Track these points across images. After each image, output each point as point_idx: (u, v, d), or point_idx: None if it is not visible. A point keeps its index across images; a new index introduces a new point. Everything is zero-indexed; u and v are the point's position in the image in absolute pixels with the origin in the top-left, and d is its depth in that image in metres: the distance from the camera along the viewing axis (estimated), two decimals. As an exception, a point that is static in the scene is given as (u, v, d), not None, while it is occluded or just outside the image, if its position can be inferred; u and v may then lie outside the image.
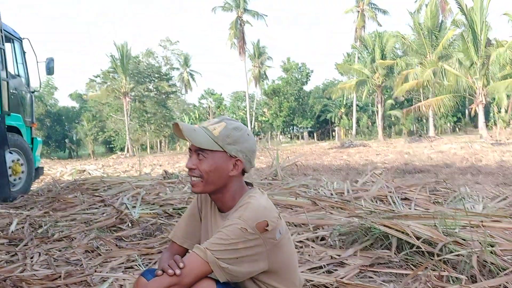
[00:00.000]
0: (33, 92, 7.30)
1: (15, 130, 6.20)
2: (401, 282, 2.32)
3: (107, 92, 40.10)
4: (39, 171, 7.22)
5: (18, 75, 6.72)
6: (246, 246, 1.36)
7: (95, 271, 2.69)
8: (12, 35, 6.58)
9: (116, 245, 3.30)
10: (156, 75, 42.45)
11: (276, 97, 47.95)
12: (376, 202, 4.55)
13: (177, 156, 23.88)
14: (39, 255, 3.09)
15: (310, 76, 50.34)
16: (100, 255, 3.07)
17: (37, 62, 7.05)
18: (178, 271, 1.29)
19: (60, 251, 3.23)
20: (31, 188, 6.66)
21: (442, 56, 28.26)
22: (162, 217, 4.13)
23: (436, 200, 4.58)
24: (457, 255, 2.43)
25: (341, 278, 2.34)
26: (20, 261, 3.00)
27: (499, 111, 30.74)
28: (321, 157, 16.14)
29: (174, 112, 50.83)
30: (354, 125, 42.92)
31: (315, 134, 49.28)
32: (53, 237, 3.59)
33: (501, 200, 4.51)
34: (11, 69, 6.41)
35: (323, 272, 2.51)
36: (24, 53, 6.95)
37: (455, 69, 24.01)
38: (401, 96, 34.75)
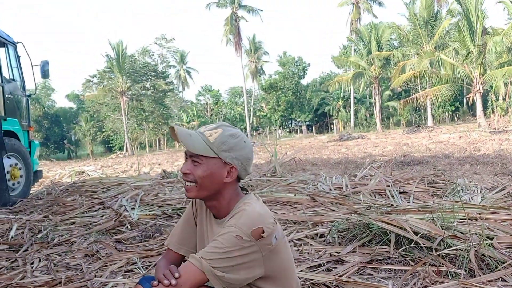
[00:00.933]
0: (29, 96, 7.27)
1: (12, 134, 6.19)
2: (400, 278, 2.33)
3: (104, 92, 39.98)
4: (37, 174, 7.21)
5: (13, 79, 6.69)
6: (241, 254, 1.35)
7: (95, 276, 2.69)
8: (6, 39, 6.55)
9: (116, 248, 3.31)
10: (153, 73, 42.30)
11: (274, 92, 47.91)
12: (375, 196, 4.56)
13: (176, 154, 23.86)
14: (39, 260, 3.09)
15: (307, 69, 50.32)
16: (100, 259, 3.07)
17: (32, 65, 7.02)
18: (173, 282, 1.29)
19: (60, 256, 3.23)
20: (31, 192, 6.66)
21: (439, 46, 28.19)
22: (161, 218, 4.14)
23: (434, 193, 4.59)
24: (456, 250, 2.44)
25: (340, 276, 2.35)
26: (20, 267, 3.00)
27: (497, 99, 30.69)
28: (320, 151, 16.14)
29: (172, 109, 50.75)
30: (352, 117, 42.91)
31: (313, 128, 49.29)
32: (53, 241, 3.59)
33: (499, 190, 4.52)
34: (5, 73, 6.38)
35: (323, 270, 2.51)
36: (18, 57, 6.92)
37: (451, 58, 23.92)
38: (398, 87, 34.68)
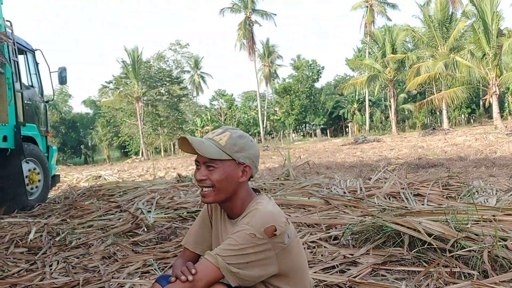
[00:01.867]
0: (47, 102, 7.43)
1: (31, 140, 6.33)
2: (413, 279, 2.34)
3: (120, 97, 40.49)
4: (55, 178, 7.36)
5: (32, 86, 6.84)
6: (255, 251, 1.40)
7: (112, 277, 2.75)
8: (25, 47, 6.71)
9: (133, 250, 3.37)
10: (168, 79, 42.72)
11: (287, 96, 47.89)
12: (389, 199, 4.55)
13: (191, 159, 24.01)
14: (58, 263, 3.16)
15: (321, 73, 50.14)
16: (117, 261, 3.13)
17: (50, 72, 7.18)
18: (190, 277, 1.33)
19: (78, 258, 3.30)
20: (48, 196, 6.79)
21: (454, 47, 27.93)
22: (176, 221, 4.19)
23: (449, 195, 4.56)
24: (469, 251, 2.44)
25: (354, 277, 2.37)
26: (39, 269, 3.08)
27: (514, 101, 30.24)
28: (334, 154, 16.10)
29: (186, 114, 51.08)
30: (367, 120, 42.64)
31: (328, 131, 49.08)
32: (71, 244, 3.67)
33: (515, 192, 4.47)
34: (24, 80, 6.54)
35: (336, 272, 2.53)
36: (37, 64, 7.08)
37: (467, 60, 23.69)
38: (413, 90, 34.43)
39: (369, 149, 17.38)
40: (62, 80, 7.24)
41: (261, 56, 49.70)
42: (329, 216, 3.82)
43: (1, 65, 5.50)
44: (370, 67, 34.43)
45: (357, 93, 45.03)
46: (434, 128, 27.36)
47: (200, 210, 4.25)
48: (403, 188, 4.68)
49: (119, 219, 4.47)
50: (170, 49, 46.89)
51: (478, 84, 24.38)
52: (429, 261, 2.52)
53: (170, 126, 43.37)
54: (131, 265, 2.97)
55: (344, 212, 3.96)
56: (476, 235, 2.63)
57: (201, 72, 55.62)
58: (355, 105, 47.68)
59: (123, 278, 2.73)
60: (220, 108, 57.55)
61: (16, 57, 6.09)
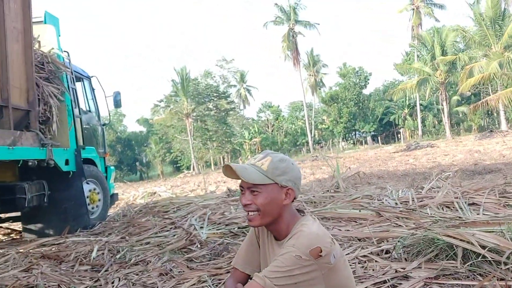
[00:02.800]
0: (104, 125, 7.84)
1: (90, 161, 6.70)
2: (468, 294, 2.29)
3: (171, 115, 41.90)
4: (114, 197, 7.72)
5: (89, 111, 7.25)
6: (302, 272, 1.45)
7: (170, 294, 2.87)
8: (82, 74, 7.13)
9: (188, 266, 3.49)
10: (215, 94, 43.71)
11: (335, 104, 47.47)
12: (443, 209, 4.44)
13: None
14: (119, 280, 3.34)
15: (368, 79, 49.39)
16: (173, 277, 3.26)
17: (105, 96, 7.59)
18: None
19: (137, 275, 3.47)
20: (108, 214, 7.13)
21: (508, 46, 26.66)
22: (228, 237, 4.29)
23: (507, 203, 4.38)
24: (526, 264, 2.36)
25: (406, 292, 2.35)
26: (102, 286, 3.27)
27: None
28: (386, 163, 15.76)
29: (234, 127, 51.80)
30: (420, 125, 41.38)
31: (379, 138, 48.04)
32: (130, 261, 3.85)
33: None
34: (82, 105, 6.94)
35: (388, 287, 2.52)
36: (93, 89, 7.50)
37: (524, 57, 22.58)
38: (467, 92, 33.07)
39: (422, 156, 16.87)
40: (117, 104, 7.63)
41: (306, 66, 49.66)
42: (380, 228, 3.79)
43: (61, 94, 5.90)
44: (420, 70, 33.53)
45: (407, 98, 43.83)
46: (491, 131, 26.13)
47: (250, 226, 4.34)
48: (457, 197, 4.55)
49: (174, 235, 4.64)
50: (217, 65, 48.01)
51: (537, 82, 23.12)
52: (484, 274, 2.46)
53: (219, 140, 44.22)
54: (186, 282, 3.09)
55: (396, 224, 3.91)
56: (535, 246, 2.54)
57: (247, 85, 56.31)
58: (406, 110, 46.45)
59: (180, 295, 2.84)
60: (267, 119, 57.90)
61: (74, 84, 6.48)
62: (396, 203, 4.91)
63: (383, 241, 3.42)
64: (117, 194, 8.26)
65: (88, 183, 6.46)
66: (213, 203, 6.39)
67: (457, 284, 2.44)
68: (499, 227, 2.85)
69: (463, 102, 42.59)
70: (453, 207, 4.38)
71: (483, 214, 4.03)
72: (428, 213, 4.21)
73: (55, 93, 5.71)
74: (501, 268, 2.38)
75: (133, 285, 3.19)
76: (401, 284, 2.54)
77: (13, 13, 4.83)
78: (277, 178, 1.57)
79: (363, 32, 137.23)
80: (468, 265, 2.54)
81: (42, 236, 5.60)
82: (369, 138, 47.27)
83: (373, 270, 2.82)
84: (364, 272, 2.77)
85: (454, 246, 2.71)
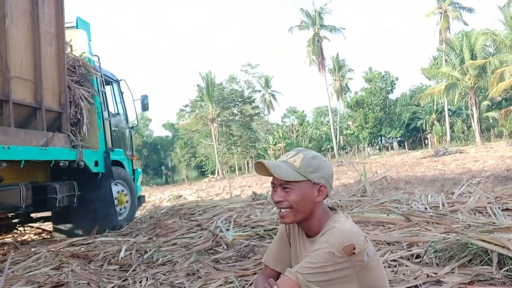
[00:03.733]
0: (131, 128, 7.96)
1: (118, 163, 6.81)
2: (504, 300, 2.21)
3: (196, 119, 42.25)
4: (141, 199, 7.83)
5: (118, 114, 7.38)
6: (335, 269, 1.43)
7: (197, 294, 2.87)
8: (111, 78, 7.27)
9: (214, 267, 3.50)
10: (240, 99, 43.88)
11: (361, 109, 46.96)
12: (475, 214, 4.32)
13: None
14: (147, 279, 3.37)
15: (395, 84, 48.72)
16: (200, 277, 3.27)
17: (133, 100, 7.71)
18: None
19: (164, 275, 3.49)
20: (135, 216, 7.22)
21: (541, 49, 25.91)
22: (254, 239, 4.29)
23: (543, 209, 4.23)
24: None
25: (439, 297, 2.29)
26: (130, 285, 3.30)
27: None
28: (413, 168, 15.47)
29: (259, 133, 51.86)
30: (448, 130, 40.52)
31: (405, 144, 47.27)
32: (158, 261, 3.89)
33: None
34: (111, 108, 7.07)
35: (419, 291, 2.46)
36: (121, 93, 7.63)
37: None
38: (497, 96, 32.22)
39: (451, 162, 16.50)
40: (145, 107, 7.74)
41: (331, 71, 49.38)
42: (410, 233, 3.70)
43: (91, 96, 6.03)
44: (448, 75, 32.84)
45: (435, 103, 43.03)
46: (524, 136, 25.37)
47: (276, 228, 4.32)
48: (490, 203, 4.42)
49: (200, 237, 4.67)
50: (242, 70, 48.26)
51: None
52: (521, 280, 2.37)
53: (243, 145, 44.30)
54: (213, 282, 3.09)
55: (426, 229, 3.82)
56: None
57: (271, 90, 56.36)
58: (434, 116, 45.58)
59: (207, 295, 2.84)
60: (292, 125, 57.76)
61: (104, 88, 6.61)
62: (426, 208, 4.81)
63: (413, 246, 3.34)
64: (144, 196, 8.37)
65: (116, 185, 6.56)
66: (238, 206, 6.40)
67: (492, 289, 2.36)
68: (537, 232, 2.74)
69: (493, 107, 41.47)
70: (486, 213, 4.26)
71: (518, 219, 3.90)
72: (459, 218, 4.09)
73: (85, 96, 5.84)
74: (539, 274, 2.29)
75: (160, 284, 3.21)
76: (433, 289, 2.47)
77: (47, 18, 4.97)
78: (310, 175, 1.55)
79: (366, 30, 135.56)
80: (504, 271, 2.45)
81: (72, 235, 5.71)
82: (395, 144, 46.58)
83: (403, 274, 2.76)
84: (395, 276, 2.71)
85: (489, 251, 2.63)
